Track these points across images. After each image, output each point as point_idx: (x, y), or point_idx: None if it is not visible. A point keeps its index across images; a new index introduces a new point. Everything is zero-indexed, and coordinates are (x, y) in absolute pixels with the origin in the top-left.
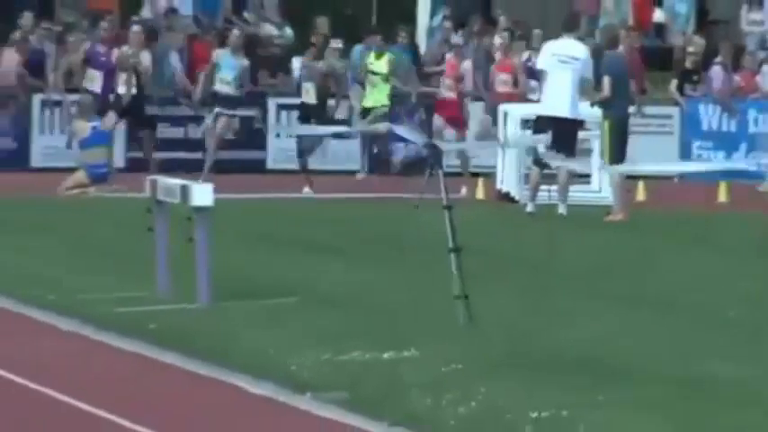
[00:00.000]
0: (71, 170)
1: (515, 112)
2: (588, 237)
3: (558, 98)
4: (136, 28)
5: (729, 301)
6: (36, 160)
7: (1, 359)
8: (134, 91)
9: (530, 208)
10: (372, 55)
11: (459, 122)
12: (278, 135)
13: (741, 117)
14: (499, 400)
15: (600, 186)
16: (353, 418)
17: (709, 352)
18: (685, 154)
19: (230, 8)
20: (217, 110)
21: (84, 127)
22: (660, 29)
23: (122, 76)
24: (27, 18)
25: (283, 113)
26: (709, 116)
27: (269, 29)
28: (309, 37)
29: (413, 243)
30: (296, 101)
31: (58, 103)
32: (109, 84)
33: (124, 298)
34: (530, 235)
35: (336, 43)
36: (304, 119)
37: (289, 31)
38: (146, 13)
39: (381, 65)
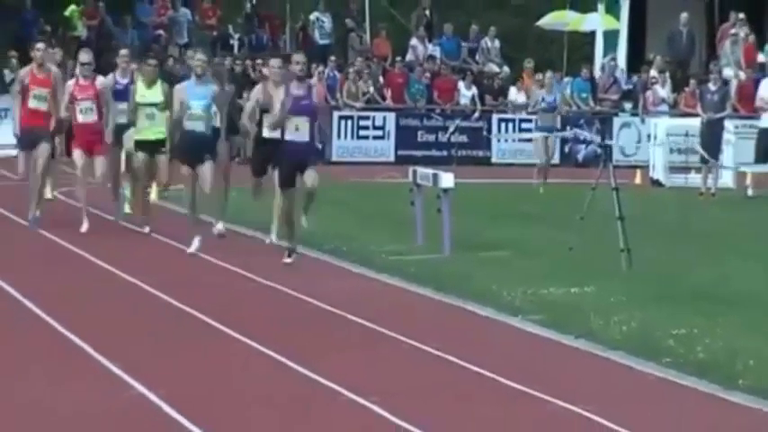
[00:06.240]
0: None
1: (662, 125)
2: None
3: None
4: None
5: None
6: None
7: (313, 293)
8: None
9: (751, 192)
10: None
11: None
12: (499, 140)
13: None
14: (650, 322)
15: None
16: (549, 333)
17: None
18: None
19: (467, 54)
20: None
21: None
22: (762, 66)
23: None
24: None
25: (502, 125)
26: None
27: (492, 67)
28: (520, 73)
29: (592, 213)
30: (513, 117)
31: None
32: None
33: (393, 250)
34: (674, 207)
35: (537, 77)
36: None
37: (506, 68)
38: (409, 56)
39: None
